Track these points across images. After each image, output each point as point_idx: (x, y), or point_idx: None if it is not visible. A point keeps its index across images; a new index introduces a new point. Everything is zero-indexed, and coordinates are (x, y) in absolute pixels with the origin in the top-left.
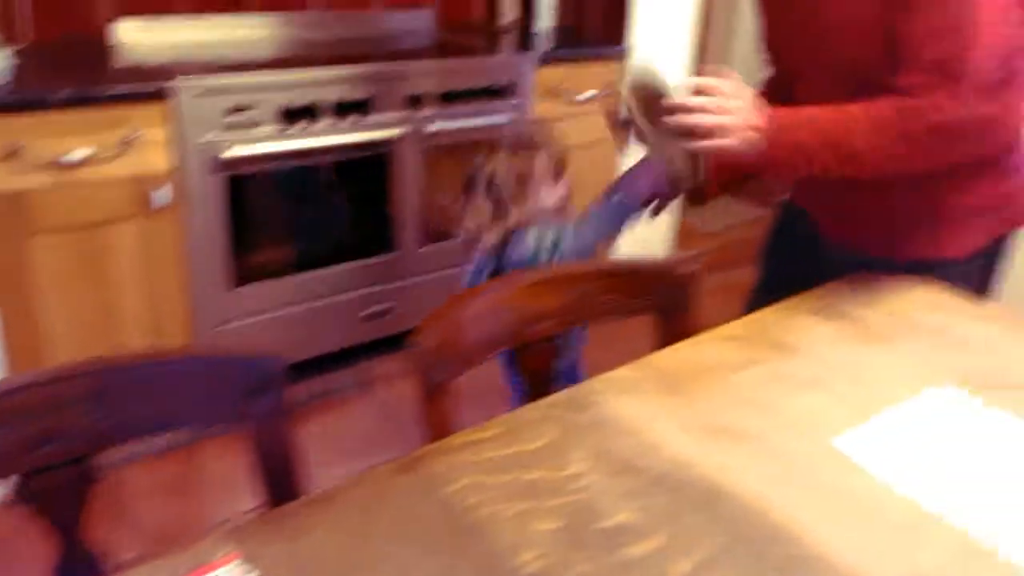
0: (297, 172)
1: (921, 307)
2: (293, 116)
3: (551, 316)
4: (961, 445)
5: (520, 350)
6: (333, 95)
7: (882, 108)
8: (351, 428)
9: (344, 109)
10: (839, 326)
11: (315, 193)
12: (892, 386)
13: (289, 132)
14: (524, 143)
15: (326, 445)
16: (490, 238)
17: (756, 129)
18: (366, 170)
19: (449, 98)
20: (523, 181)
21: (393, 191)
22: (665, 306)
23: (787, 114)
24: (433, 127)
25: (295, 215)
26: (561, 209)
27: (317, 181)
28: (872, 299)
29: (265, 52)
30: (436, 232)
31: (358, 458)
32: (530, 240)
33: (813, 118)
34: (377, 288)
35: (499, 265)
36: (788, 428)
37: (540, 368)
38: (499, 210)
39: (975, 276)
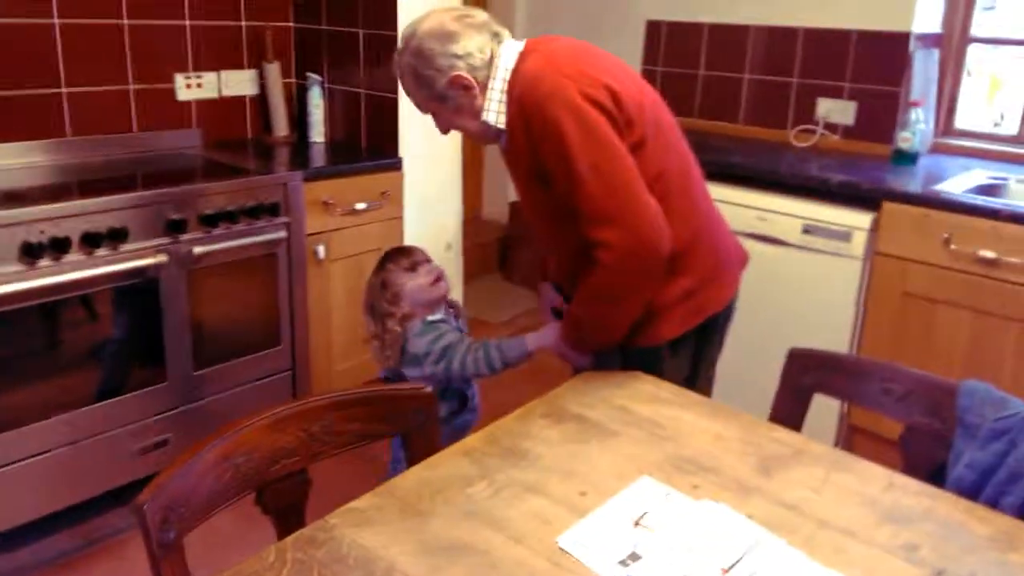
0: (49, 308)
1: (638, 400)
2: (37, 252)
3: (293, 453)
4: (667, 533)
5: (263, 490)
6: (83, 226)
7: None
8: (128, 572)
9: (97, 239)
10: (567, 427)
11: (73, 328)
12: (609, 479)
13: (34, 269)
14: (379, 261)
15: None
16: (389, 348)
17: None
18: (130, 299)
19: (215, 219)
20: (388, 286)
21: (161, 317)
22: (406, 428)
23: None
24: (199, 250)
25: (49, 354)
26: (435, 290)
27: (75, 315)
28: (596, 397)
29: (11, 184)
30: (209, 355)
31: None
32: (423, 340)
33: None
34: (151, 419)
35: (402, 362)
36: (516, 534)
37: (289, 504)
38: (383, 322)
39: (686, 357)
